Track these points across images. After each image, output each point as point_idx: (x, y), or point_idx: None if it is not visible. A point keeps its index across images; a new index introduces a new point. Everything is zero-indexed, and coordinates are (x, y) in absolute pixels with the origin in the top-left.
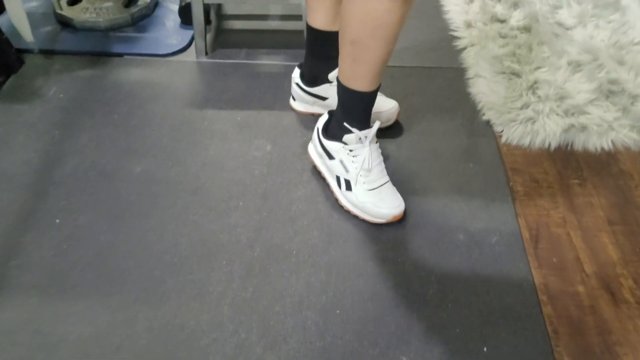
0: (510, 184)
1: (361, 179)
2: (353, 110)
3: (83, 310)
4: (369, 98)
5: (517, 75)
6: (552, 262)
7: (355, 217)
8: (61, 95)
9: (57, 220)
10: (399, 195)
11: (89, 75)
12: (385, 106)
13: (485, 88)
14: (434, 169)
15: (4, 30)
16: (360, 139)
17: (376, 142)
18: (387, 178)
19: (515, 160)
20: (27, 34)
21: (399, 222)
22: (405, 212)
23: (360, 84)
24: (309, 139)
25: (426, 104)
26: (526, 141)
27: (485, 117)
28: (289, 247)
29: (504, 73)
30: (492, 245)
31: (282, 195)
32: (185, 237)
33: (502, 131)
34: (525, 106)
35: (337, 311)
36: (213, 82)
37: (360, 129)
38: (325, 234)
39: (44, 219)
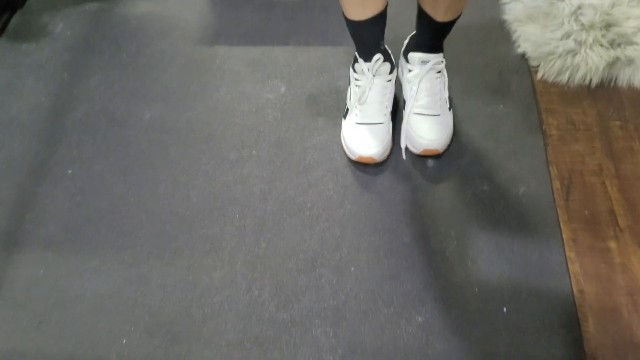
0: (544, 127)
1: (355, 110)
2: (356, 40)
3: (98, 265)
4: (359, 26)
5: None
6: (584, 216)
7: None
8: (68, 33)
9: (70, 171)
10: (388, 142)
11: (96, 9)
12: None
13: (523, 14)
14: (460, 111)
15: None
16: (362, 70)
17: (388, 81)
18: (384, 120)
19: (551, 100)
20: None
21: (421, 172)
22: (430, 157)
23: (346, 10)
24: (325, 78)
25: (454, 35)
26: (564, 77)
27: (520, 50)
28: (302, 199)
29: None
30: (519, 197)
31: (296, 143)
32: (197, 190)
33: (539, 66)
34: (566, 36)
35: (352, 269)
36: (224, 14)
37: (368, 60)
38: (341, 185)
39: (57, 169)
